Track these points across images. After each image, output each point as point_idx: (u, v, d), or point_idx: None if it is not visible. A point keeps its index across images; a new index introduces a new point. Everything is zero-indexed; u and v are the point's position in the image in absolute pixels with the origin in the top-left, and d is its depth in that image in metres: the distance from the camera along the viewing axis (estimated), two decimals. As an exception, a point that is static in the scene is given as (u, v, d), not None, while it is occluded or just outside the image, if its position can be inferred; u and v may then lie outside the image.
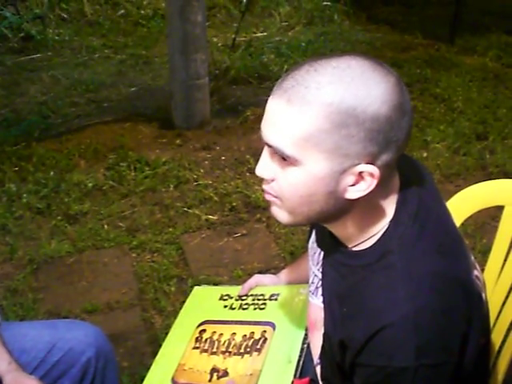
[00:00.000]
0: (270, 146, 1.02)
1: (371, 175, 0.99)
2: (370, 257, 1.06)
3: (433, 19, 5.42)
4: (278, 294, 1.59)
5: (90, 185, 3.28)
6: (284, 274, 1.67)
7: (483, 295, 1.14)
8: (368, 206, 1.05)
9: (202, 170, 3.42)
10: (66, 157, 3.52)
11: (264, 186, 1.07)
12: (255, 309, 1.57)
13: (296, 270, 1.63)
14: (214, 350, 1.50)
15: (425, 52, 4.86)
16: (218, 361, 1.47)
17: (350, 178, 1.00)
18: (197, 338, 1.55)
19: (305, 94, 0.96)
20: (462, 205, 1.58)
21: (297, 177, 1.00)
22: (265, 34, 5.28)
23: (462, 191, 1.62)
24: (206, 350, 1.51)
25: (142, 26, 5.46)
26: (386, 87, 0.97)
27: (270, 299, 1.58)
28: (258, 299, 1.60)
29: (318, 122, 0.96)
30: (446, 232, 1.11)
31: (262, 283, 1.66)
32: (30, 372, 1.56)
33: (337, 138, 0.96)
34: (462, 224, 1.53)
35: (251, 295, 1.62)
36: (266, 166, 1.04)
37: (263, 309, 1.56)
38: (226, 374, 1.43)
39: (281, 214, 1.08)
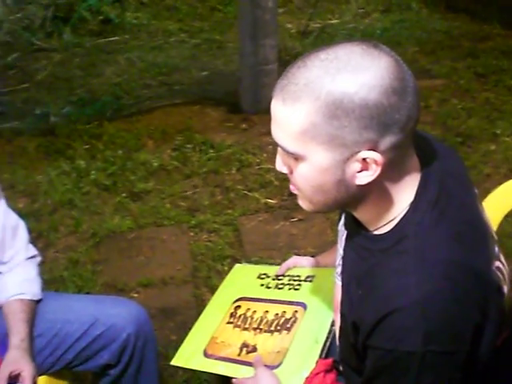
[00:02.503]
0: (278, 145, 1.06)
1: (374, 161, 1.00)
2: (387, 241, 1.08)
3: (513, 9, 5.23)
4: (313, 276, 1.62)
5: (156, 164, 3.37)
6: (322, 257, 1.69)
7: (504, 288, 1.12)
8: (384, 189, 1.06)
9: (264, 155, 3.46)
10: (134, 137, 3.63)
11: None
12: (290, 289, 1.61)
13: (333, 253, 1.64)
14: (247, 326, 1.54)
15: (503, 42, 4.70)
16: (249, 336, 1.51)
17: (355, 165, 1.01)
18: (232, 313, 1.60)
19: (295, 92, 0.99)
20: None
21: (305, 170, 1.04)
22: (339, 20, 5.23)
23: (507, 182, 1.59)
24: (238, 326, 1.55)
25: (218, 11, 5.51)
26: (374, 72, 0.97)
27: (305, 280, 1.61)
28: (294, 280, 1.63)
29: (310, 116, 0.99)
30: (466, 220, 1.10)
31: (300, 265, 1.69)
32: (73, 342, 1.65)
33: (330, 130, 0.98)
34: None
35: (288, 276, 1.66)
36: (281, 162, 1.10)
37: (297, 289, 1.59)
38: (254, 349, 1.47)
39: (303, 203, 1.14)
